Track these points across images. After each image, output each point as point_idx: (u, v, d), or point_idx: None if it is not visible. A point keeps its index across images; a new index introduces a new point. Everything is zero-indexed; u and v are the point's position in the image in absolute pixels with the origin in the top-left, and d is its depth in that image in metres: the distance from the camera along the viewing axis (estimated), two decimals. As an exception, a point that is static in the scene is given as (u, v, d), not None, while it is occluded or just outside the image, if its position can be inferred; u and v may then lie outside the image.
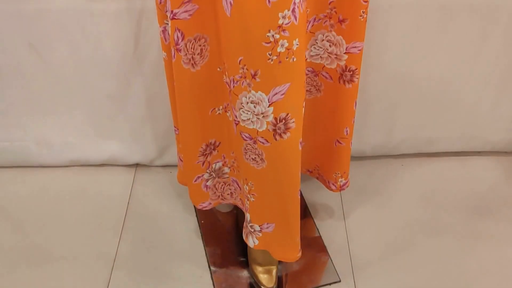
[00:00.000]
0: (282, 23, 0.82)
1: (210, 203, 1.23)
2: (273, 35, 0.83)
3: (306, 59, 1.06)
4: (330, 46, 1.03)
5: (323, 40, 1.03)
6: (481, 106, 1.45)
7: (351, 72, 1.05)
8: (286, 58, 0.85)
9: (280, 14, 0.81)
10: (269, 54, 0.84)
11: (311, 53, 1.06)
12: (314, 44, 1.04)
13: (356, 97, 1.10)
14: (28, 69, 1.35)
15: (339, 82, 1.08)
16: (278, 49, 0.84)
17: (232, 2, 0.81)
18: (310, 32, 1.02)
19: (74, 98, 1.42)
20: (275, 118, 0.91)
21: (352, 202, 1.43)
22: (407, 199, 1.44)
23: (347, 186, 1.27)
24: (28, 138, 1.50)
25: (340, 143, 1.17)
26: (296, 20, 0.83)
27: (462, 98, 1.43)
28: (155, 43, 1.31)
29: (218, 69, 0.98)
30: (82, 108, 1.45)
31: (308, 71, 1.09)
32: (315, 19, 1.00)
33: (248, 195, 1.07)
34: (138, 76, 1.38)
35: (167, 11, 0.91)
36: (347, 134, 1.15)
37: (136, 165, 1.56)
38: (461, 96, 1.42)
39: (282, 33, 0.83)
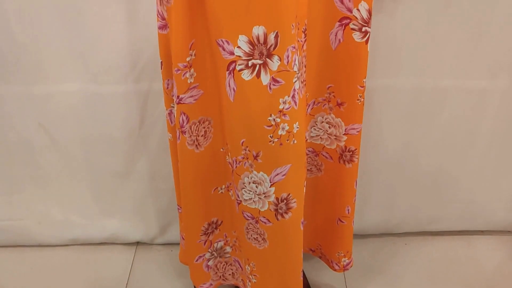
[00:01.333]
0: (283, 108, 0.86)
1: (211, 284, 1.20)
2: (274, 119, 0.87)
3: (307, 140, 1.09)
4: (329, 127, 1.07)
5: (322, 122, 1.07)
6: (480, 185, 1.46)
7: (351, 153, 1.08)
8: (287, 140, 0.89)
9: (281, 100, 0.85)
10: (270, 136, 0.88)
11: (311, 134, 1.09)
12: (314, 126, 1.08)
13: (356, 176, 1.12)
14: (36, 147, 1.39)
15: (339, 162, 1.10)
16: (279, 132, 0.88)
17: (235, 88, 0.86)
18: (310, 114, 1.06)
19: (79, 175, 1.44)
20: (277, 198, 0.93)
21: (356, 282, 1.40)
22: (412, 280, 1.41)
23: (351, 266, 1.26)
24: (30, 216, 1.50)
25: (342, 221, 1.17)
26: (296, 105, 0.87)
27: (461, 177, 1.44)
28: (159, 123, 1.36)
29: (221, 149, 1.00)
30: (86, 185, 1.47)
31: (309, 151, 1.11)
32: (314, 102, 1.05)
33: (250, 276, 1.06)
34: (143, 154, 1.41)
35: (173, 95, 0.96)
36: (348, 213, 1.15)
37: (137, 243, 1.54)
38: (459, 174, 1.44)
39: (283, 117, 0.86)
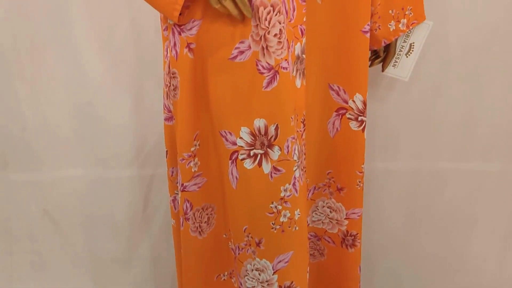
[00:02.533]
0: (284, 195, 0.88)
1: None
2: (276, 206, 0.89)
3: (308, 225, 1.10)
4: (330, 212, 1.09)
5: (323, 206, 1.09)
6: (486, 268, 1.44)
7: (353, 237, 1.08)
8: (289, 227, 0.90)
9: (282, 188, 0.88)
10: (272, 223, 0.89)
11: (313, 219, 1.11)
12: (315, 210, 1.10)
13: (359, 261, 1.11)
14: (39, 233, 1.39)
15: (342, 247, 1.10)
16: (281, 219, 0.89)
17: (237, 176, 0.89)
18: (311, 199, 1.08)
19: (80, 261, 1.43)
20: (280, 286, 0.92)
21: None
22: None
23: None
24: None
25: (348, 308, 1.15)
26: (297, 192, 0.89)
27: (466, 259, 1.43)
28: (162, 207, 1.37)
29: (224, 235, 1.01)
30: (87, 271, 1.45)
31: (311, 235, 1.12)
32: (315, 187, 1.07)
33: None
34: (145, 239, 1.41)
35: (178, 183, 0.99)
36: (353, 299, 1.13)
37: (136, 332, 1.50)
38: (464, 257, 1.42)
39: (284, 204, 0.89)
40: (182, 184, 0.95)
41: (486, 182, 1.33)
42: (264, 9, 0.80)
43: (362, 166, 1.02)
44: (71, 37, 1.22)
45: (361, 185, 1.04)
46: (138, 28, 1.23)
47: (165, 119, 0.98)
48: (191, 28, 0.85)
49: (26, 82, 1.25)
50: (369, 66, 1.09)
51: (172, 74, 0.90)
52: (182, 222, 0.98)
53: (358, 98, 0.97)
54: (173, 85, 0.91)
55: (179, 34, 0.87)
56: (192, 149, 0.92)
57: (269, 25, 0.81)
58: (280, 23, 0.82)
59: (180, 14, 0.83)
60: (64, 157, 1.33)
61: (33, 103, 1.27)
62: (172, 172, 1.04)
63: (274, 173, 0.88)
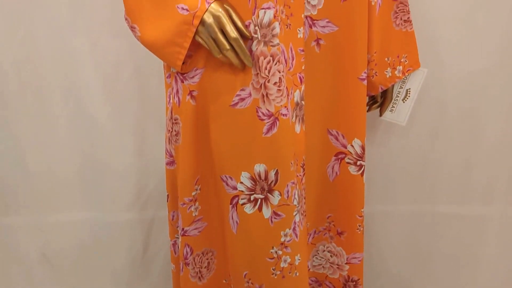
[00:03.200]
0: (284, 240, 0.88)
1: None
2: (276, 251, 0.89)
3: (309, 269, 1.09)
4: (331, 256, 1.08)
5: (324, 250, 1.08)
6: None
7: (354, 282, 1.07)
8: (289, 272, 0.89)
9: (282, 233, 0.88)
10: (273, 269, 0.89)
11: (314, 263, 1.10)
12: (316, 255, 1.09)
13: (362, 307, 1.10)
14: (38, 278, 1.38)
15: (344, 292, 1.09)
16: (281, 265, 0.89)
17: (238, 220, 0.89)
18: (311, 243, 1.08)
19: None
20: (281, 334, 0.91)
21: None
22: None
23: None
24: None
25: None
26: (297, 237, 0.90)
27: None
28: (162, 251, 1.37)
29: (224, 281, 1.01)
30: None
31: (312, 281, 1.11)
32: (315, 231, 1.07)
33: None
34: (144, 283, 1.39)
35: (178, 227, 0.99)
36: None
37: None
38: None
39: (284, 249, 0.89)
40: (183, 229, 0.95)
41: (487, 225, 1.33)
42: (264, 58, 0.83)
43: (362, 210, 1.03)
44: (76, 82, 1.25)
45: (362, 229, 1.04)
46: (142, 73, 1.26)
47: (167, 164, 1.00)
48: (193, 76, 0.88)
49: (30, 125, 1.27)
50: (367, 111, 1.11)
51: (175, 120, 0.92)
52: (182, 267, 0.97)
53: (356, 143, 0.99)
54: (175, 130, 0.93)
55: (182, 81, 0.89)
56: (193, 193, 0.93)
57: (269, 74, 0.84)
58: (279, 72, 0.85)
59: (183, 63, 0.86)
60: (64, 200, 1.33)
61: (36, 146, 1.29)
62: (173, 216, 1.04)
63: (274, 218, 0.88)
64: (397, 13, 1.05)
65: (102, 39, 1.23)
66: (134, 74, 1.26)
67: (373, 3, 0.99)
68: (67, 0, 1.19)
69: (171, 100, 0.93)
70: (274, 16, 0.83)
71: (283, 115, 0.86)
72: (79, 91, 1.26)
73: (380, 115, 1.15)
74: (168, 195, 1.02)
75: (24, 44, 1.21)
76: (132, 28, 0.87)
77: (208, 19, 0.81)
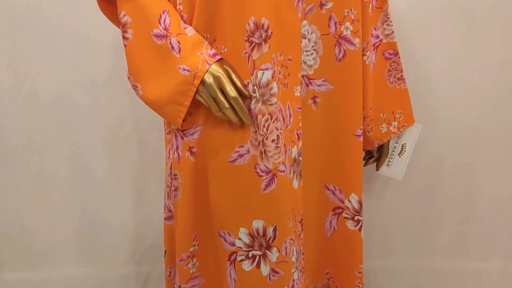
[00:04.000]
0: (284, 296, 0.87)
1: None
2: (275, 309, 0.87)
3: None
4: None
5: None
6: None
7: None
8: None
9: (281, 290, 0.87)
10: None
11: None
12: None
13: None
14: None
15: None
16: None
17: (236, 278, 0.88)
18: (311, 297, 1.06)
19: None
20: None
21: None
22: None
23: None
24: None
25: None
26: (296, 295, 0.88)
27: None
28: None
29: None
30: None
31: None
32: (314, 288, 1.06)
33: None
34: None
35: (175, 284, 0.97)
36: None
37: None
38: None
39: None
40: (180, 286, 0.94)
41: (487, 280, 1.31)
42: (263, 117, 0.86)
43: (361, 266, 1.02)
44: (76, 136, 1.27)
45: (361, 286, 1.03)
46: (142, 128, 1.28)
47: (165, 219, 1.00)
48: (193, 133, 0.90)
49: (29, 179, 1.28)
50: (364, 165, 1.13)
51: (174, 175, 0.93)
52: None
53: (353, 198, 1.00)
54: (174, 186, 0.94)
55: (182, 138, 0.91)
56: (191, 249, 0.93)
57: (267, 131, 0.86)
58: (277, 130, 0.87)
59: (183, 120, 0.88)
60: (61, 255, 1.32)
61: (34, 201, 1.29)
62: (170, 273, 1.03)
63: (273, 275, 0.87)
64: (391, 71, 1.09)
65: (104, 93, 1.26)
66: (134, 129, 1.28)
67: (367, 62, 1.03)
68: (72, 56, 1.23)
69: (171, 156, 0.94)
70: (272, 77, 0.86)
71: (281, 171, 0.88)
72: (79, 145, 1.28)
73: (377, 169, 1.16)
74: (165, 250, 1.01)
75: (28, 100, 1.24)
76: (134, 87, 0.90)
77: (209, 79, 0.84)
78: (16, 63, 1.23)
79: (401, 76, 1.10)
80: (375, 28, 1.06)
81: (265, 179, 0.87)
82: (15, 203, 1.28)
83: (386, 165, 1.16)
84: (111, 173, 1.28)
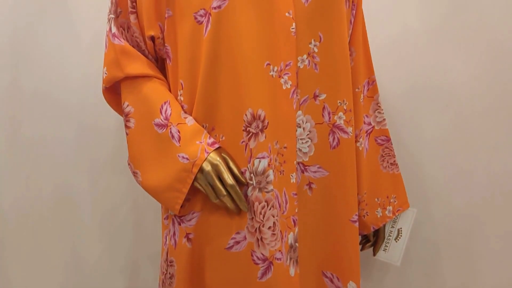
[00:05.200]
0: None
1: None
2: None
3: None
4: None
5: None
6: None
7: None
8: None
9: None
10: None
11: None
12: None
13: None
14: None
15: None
16: None
17: None
18: None
19: None
20: None
21: None
22: None
23: None
24: None
25: None
26: None
27: None
28: None
29: None
30: None
31: None
32: None
33: None
34: None
35: None
36: None
37: None
38: None
39: None
40: None
41: None
42: (259, 204, 0.87)
43: None
44: (73, 219, 1.27)
45: None
46: (139, 210, 1.29)
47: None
48: (190, 219, 0.90)
49: (23, 264, 1.26)
50: (361, 250, 1.12)
51: (170, 262, 0.92)
52: None
53: (351, 286, 0.98)
54: (169, 273, 0.93)
55: (179, 224, 0.92)
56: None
57: (263, 218, 0.87)
58: (273, 217, 0.88)
59: (181, 206, 0.89)
60: None
61: (27, 283, 1.26)
62: None
63: None
64: (384, 156, 1.12)
65: (102, 177, 1.28)
66: (131, 210, 1.29)
67: (360, 148, 1.07)
68: (72, 140, 1.26)
69: (168, 242, 0.94)
70: (269, 164, 0.88)
71: (277, 259, 0.87)
72: (75, 229, 1.27)
73: (374, 254, 1.15)
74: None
75: (28, 184, 1.26)
76: (134, 174, 0.92)
77: (207, 167, 0.86)
78: (17, 144, 1.26)
79: (394, 161, 1.13)
80: (367, 116, 1.11)
81: (262, 267, 0.86)
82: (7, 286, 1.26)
83: (383, 250, 1.15)
84: (105, 257, 1.27)
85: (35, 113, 1.25)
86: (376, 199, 1.10)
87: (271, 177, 0.88)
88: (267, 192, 0.88)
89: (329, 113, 0.97)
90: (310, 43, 0.93)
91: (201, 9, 0.89)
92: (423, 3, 1.29)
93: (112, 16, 0.95)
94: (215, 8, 0.87)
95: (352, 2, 1.05)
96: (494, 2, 1.27)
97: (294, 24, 0.90)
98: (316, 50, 0.93)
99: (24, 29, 1.23)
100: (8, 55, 1.23)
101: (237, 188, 0.86)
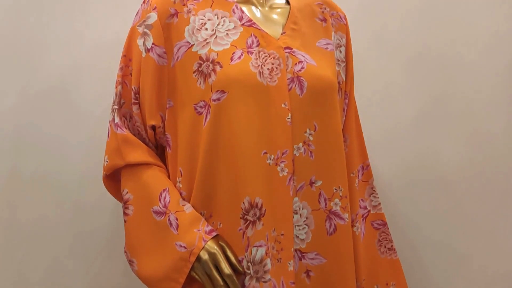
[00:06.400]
0: None
1: None
2: None
3: None
4: None
5: None
6: None
7: None
8: None
9: None
10: None
11: None
12: None
13: None
14: None
15: None
16: None
17: None
18: None
19: None
20: None
21: None
22: None
23: None
24: None
25: None
26: None
27: None
28: None
29: None
30: None
31: None
32: None
33: None
34: None
35: None
36: None
37: None
38: None
39: None
40: None
41: None
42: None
43: None
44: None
45: None
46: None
47: None
48: (186, 310, 0.89)
49: None
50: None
51: None
52: None
53: None
54: None
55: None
56: None
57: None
58: None
59: (177, 297, 0.88)
60: None
61: None
62: None
63: None
64: (381, 241, 1.12)
65: (97, 262, 1.26)
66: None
67: (357, 233, 1.07)
68: (68, 222, 1.25)
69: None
70: (266, 253, 0.88)
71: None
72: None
73: None
74: None
75: (20, 270, 1.24)
76: (130, 262, 0.92)
77: (204, 256, 0.86)
78: (13, 226, 1.25)
79: (392, 246, 1.13)
80: (362, 200, 1.13)
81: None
82: None
83: None
84: None
85: (34, 198, 1.26)
86: (375, 286, 1.08)
87: (269, 266, 0.88)
88: (265, 282, 0.87)
89: (325, 200, 0.98)
90: (306, 132, 0.96)
91: (201, 101, 0.93)
92: (412, 94, 1.35)
93: (116, 107, 1.00)
94: (214, 100, 0.92)
95: (345, 91, 1.10)
96: (478, 94, 1.34)
97: (290, 114, 0.94)
98: (311, 138, 0.96)
99: (26, 118, 1.26)
100: (8, 140, 1.25)
101: (234, 278, 0.85)
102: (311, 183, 0.98)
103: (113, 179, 1.01)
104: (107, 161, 0.98)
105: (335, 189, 0.99)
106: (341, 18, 1.11)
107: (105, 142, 1.00)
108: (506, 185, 1.32)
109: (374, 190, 1.14)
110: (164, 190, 0.93)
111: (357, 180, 1.11)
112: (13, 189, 1.24)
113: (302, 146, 0.96)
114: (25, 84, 1.25)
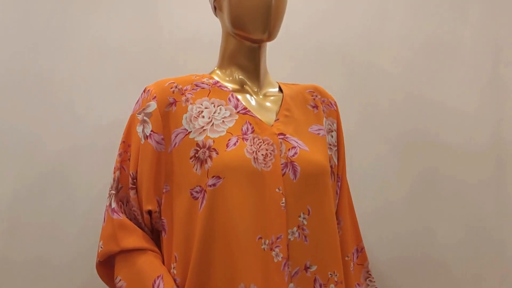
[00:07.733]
0: None
1: None
2: None
3: None
4: None
5: None
6: None
7: None
8: None
9: None
10: None
11: None
12: None
13: None
14: None
15: None
16: None
17: None
18: None
19: None
20: None
21: None
22: None
23: None
24: None
25: None
26: None
27: None
28: None
29: None
30: None
31: None
32: None
33: None
34: None
35: None
36: None
37: None
38: None
39: None
40: None
41: None
42: None
43: None
44: None
45: None
46: None
47: None
48: None
49: None
50: None
51: None
52: None
53: None
54: None
55: None
56: None
57: None
58: None
59: None
60: None
61: None
62: None
63: None
64: None
65: None
66: None
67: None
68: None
69: None
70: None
71: None
72: None
73: None
74: None
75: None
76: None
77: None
78: None
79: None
80: (358, 284, 1.11)
81: None
82: None
83: None
84: None
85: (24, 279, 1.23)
86: None
87: None
88: None
89: (320, 285, 0.97)
90: (300, 216, 0.97)
91: (197, 186, 0.95)
92: (402, 173, 1.39)
93: (113, 192, 1.01)
94: (210, 185, 0.94)
95: (337, 174, 1.13)
96: (466, 169, 1.38)
97: (284, 199, 0.96)
98: (305, 222, 0.97)
99: (23, 194, 1.26)
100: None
101: None
102: (306, 268, 0.97)
103: (107, 265, 1.00)
104: (101, 247, 0.98)
105: (330, 274, 0.99)
106: (331, 104, 1.16)
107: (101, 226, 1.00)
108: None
109: (370, 274, 1.14)
110: (158, 277, 0.92)
111: (352, 263, 1.11)
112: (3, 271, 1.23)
113: (297, 231, 0.96)
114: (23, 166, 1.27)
